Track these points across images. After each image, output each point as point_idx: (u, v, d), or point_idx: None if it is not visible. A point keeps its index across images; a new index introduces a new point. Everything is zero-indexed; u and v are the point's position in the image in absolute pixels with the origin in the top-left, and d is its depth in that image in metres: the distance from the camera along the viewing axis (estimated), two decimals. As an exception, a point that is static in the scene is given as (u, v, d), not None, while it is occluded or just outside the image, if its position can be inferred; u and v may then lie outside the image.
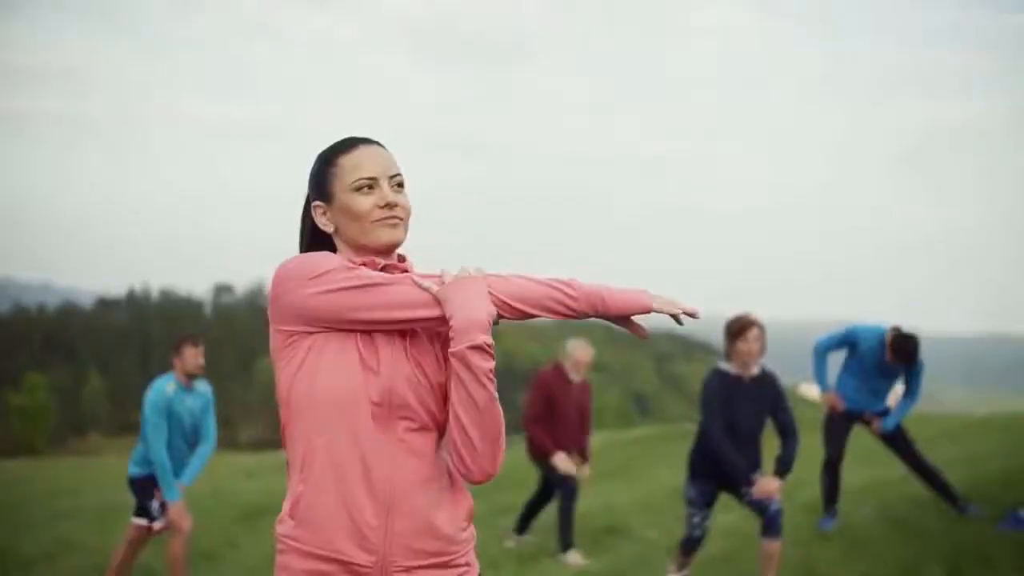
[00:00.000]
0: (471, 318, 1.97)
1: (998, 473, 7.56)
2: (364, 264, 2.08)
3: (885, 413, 6.76)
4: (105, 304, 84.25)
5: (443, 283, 2.01)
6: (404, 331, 2.06)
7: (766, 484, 5.17)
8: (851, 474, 7.09)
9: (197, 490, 7.88)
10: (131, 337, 73.31)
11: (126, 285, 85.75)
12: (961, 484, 7.26)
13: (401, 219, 2.10)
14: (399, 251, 2.15)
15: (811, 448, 6.59)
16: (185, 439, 6.10)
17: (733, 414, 5.26)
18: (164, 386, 5.99)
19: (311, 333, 2.02)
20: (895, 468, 7.55)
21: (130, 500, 6.23)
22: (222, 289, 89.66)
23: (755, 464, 5.31)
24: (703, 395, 5.33)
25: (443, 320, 2.01)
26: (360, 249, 2.11)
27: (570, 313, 2.07)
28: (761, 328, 5.26)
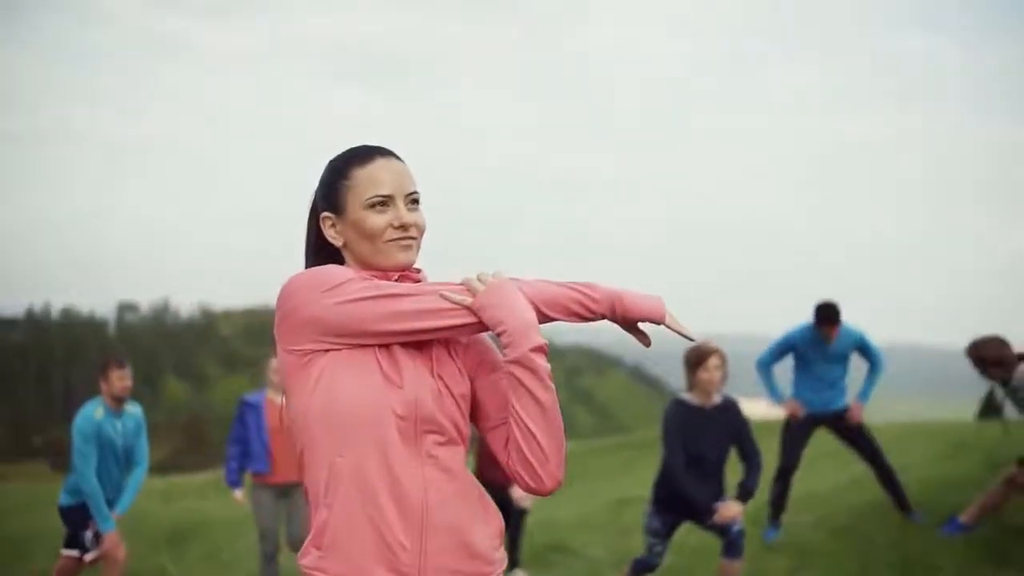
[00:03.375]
0: (526, 319, 1.89)
1: (927, 481, 7.69)
2: (377, 277, 1.97)
3: (845, 411, 6.81)
4: (1, 323, 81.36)
5: (468, 291, 1.92)
6: (425, 344, 1.95)
7: (727, 509, 5.13)
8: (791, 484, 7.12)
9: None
10: (29, 357, 70.94)
11: (24, 304, 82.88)
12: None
13: (415, 239, 2.00)
14: None
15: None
16: (118, 464, 5.88)
17: (697, 445, 5.18)
18: (92, 412, 5.75)
19: (327, 350, 1.89)
20: (834, 477, 7.64)
21: (34, 529, 5.94)
22: (126, 308, 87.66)
23: (718, 493, 5.25)
24: (664, 428, 5.25)
25: (474, 328, 1.92)
26: (370, 267, 2.00)
27: (590, 316, 2.01)
28: (722, 356, 5.20)
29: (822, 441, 7.52)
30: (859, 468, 7.92)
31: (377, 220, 1.96)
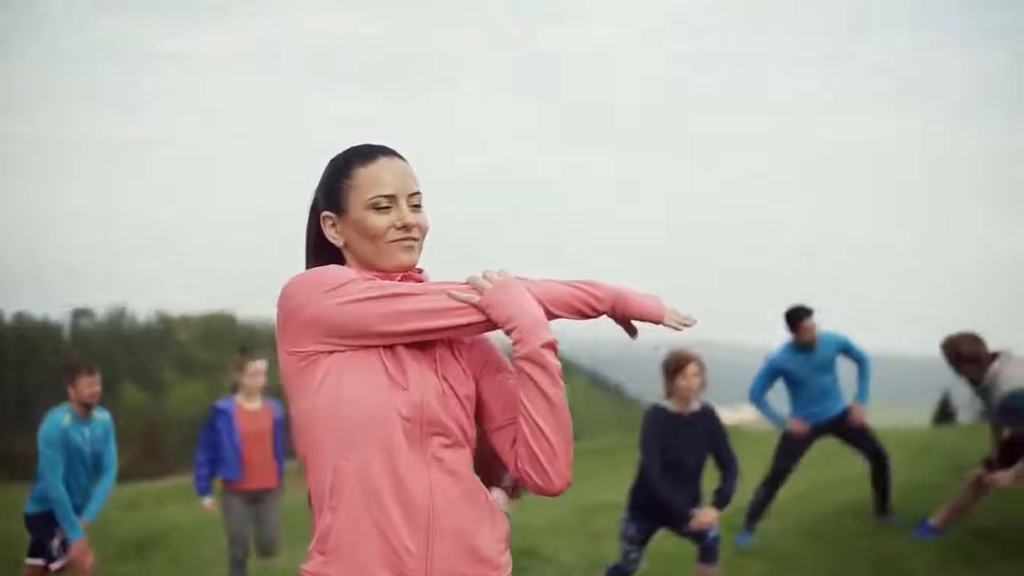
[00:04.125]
0: (536, 316, 1.86)
1: (898, 486, 7.76)
2: (379, 278, 1.93)
3: (846, 413, 6.84)
4: (-48, 329, 79.82)
5: (474, 289, 1.89)
6: (429, 344, 1.92)
7: (703, 516, 5.14)
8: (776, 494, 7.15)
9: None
10: (-20, 363, 69.65)
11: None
12: (858, 497, 7.45)
13: (417, 239, 1.96)
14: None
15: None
16: (86, 471, 5.78)
17: (675, 451, 5.19)
18: (60, 418, 5.64)
19: (331, 352, 1.85)
20: (804, 482, 7.68)
21: None
22: (81, 313, 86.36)
23: (695, 499, 5.26)
24: (642, 434, 5.26)
25: (482, 327, 1.90)
26: (372, 268, 1.96)
27: (593, 314, 2.01)
28: (700, 363, 5.22)
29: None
30: (828, 472, 8.00)
31: (379, 220, 1.92)
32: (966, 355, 5.73)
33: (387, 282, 1.89)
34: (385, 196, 1.93)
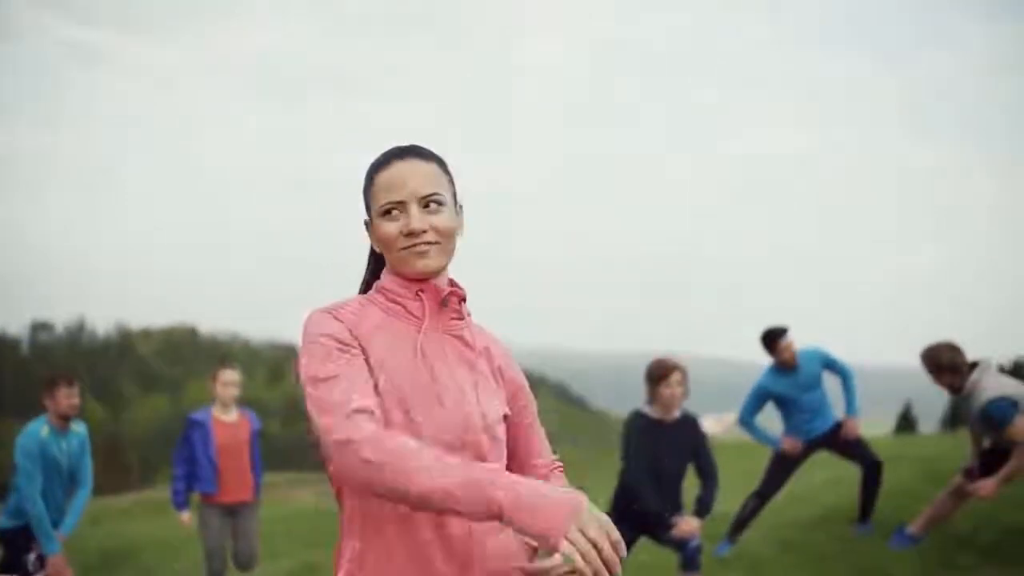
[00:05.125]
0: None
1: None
2: (422, 291, 1.88)
3: (837, 427, 6.88)
4: (-94, 343, 78.34)
5: None
6: (468, 365, 1.88)
7: (685, 524, 5.16)
8: (736, 501, 7.18)
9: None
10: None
11: (-70, 323, 79.94)
12: (834, 506, 7.49)
13: (432, 243, 1.85)
14: (457, 283, 1.96)
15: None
16: (63, 485, 5.71)
17: (657, 458, 5.22)
18: (37, 430, 5.56)
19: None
20: (781, 491, 7.69)
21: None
22: (39, 326, 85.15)
23: (676, 507, 5.27)
24: (625, 438, 5.27)
25: None
26: (399, 275, 1.91)
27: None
28: (683, 372, 5.26)
29: (765, 458, 7.58)
30: (805, 481, 8.03)
31: (389, 228, 1.86)
32: (945, 364, 5.78)
33: (317, 355, 1.77)
34: (393, 202, 1.85)
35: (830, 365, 6.89)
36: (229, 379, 6.51)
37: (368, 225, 1.94)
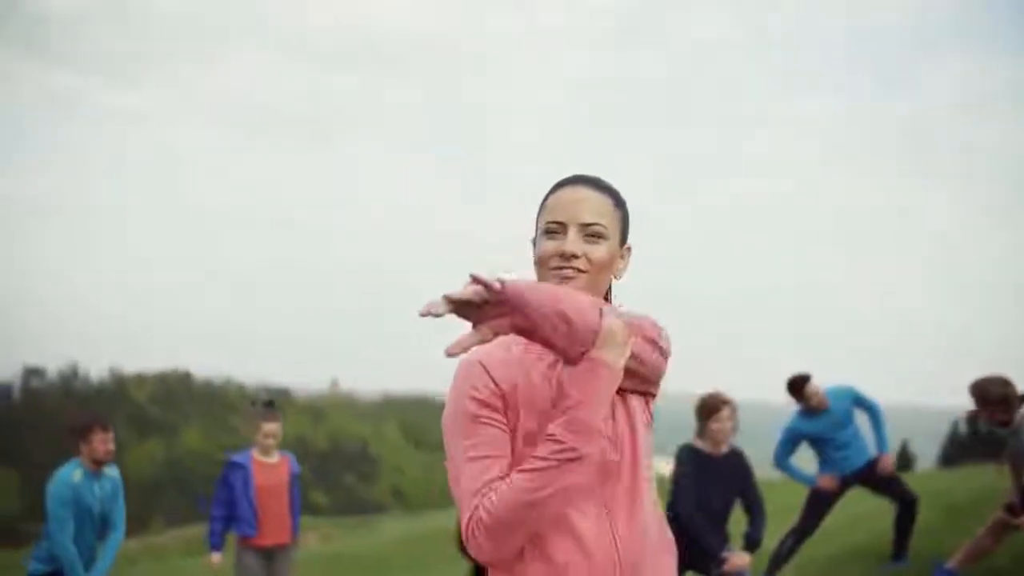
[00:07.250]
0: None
1: (882, 532, 7.75)
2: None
3: (872, 464, 6.88)
4: None
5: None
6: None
7: (737, 559, 5.15)
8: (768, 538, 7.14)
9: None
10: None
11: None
12: (862, 542, 7.45)
13: (582, 272, 1.86)
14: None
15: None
16: (93, 530, 5.67)
17: (705, 492, 5.25)
18: (69, 476, 5.53)
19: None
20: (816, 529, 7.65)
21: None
22: (32, 372, 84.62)
23: (724, 541, 5.28)
24: (678, 472, 5.30)
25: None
26: None
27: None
28: (733, 407, 5.33)
29: (792, 494, 7.57)
30: (833, 516, 7.96)
31: (546, 247, 1.89)
32: (995, 398, 5.78)
33: (463, 438, 1.80)
34: (555, 223, 1.88)
35: (860, 402, 6.91)
36: (271, 431, 6.52)
37: (534, 244, 1.96)
